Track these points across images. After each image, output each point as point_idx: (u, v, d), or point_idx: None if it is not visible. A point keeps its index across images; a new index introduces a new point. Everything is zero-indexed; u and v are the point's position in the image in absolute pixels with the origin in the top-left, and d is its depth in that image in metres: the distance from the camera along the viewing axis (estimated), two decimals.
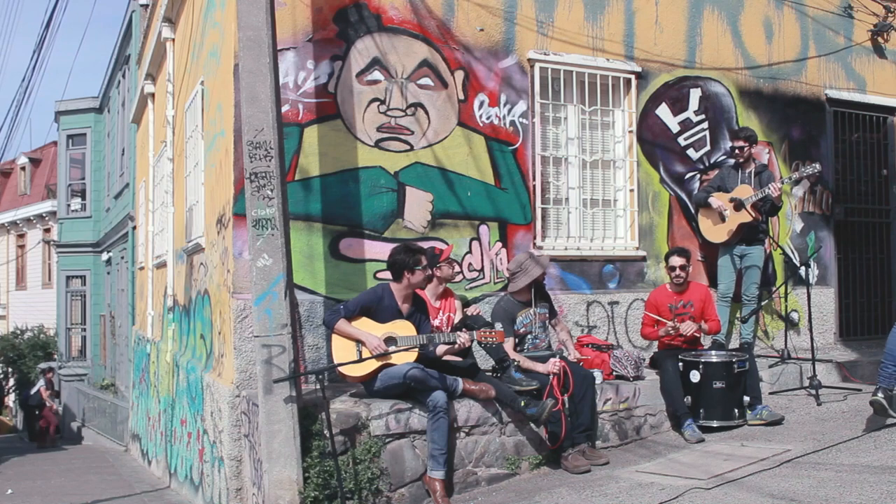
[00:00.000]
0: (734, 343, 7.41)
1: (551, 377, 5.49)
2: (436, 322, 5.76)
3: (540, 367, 5.62)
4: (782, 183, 7.12)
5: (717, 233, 7.19)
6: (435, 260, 5.77)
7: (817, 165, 7.09)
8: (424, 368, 5.17)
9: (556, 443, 5.50)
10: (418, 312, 5.47)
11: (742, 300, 7.20)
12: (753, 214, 6.96)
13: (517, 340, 5.90)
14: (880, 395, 5.27)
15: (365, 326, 5.29)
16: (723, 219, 7.11)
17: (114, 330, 18.48)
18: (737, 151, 7.17)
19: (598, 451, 5.69)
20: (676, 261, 6.40)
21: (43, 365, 21.23)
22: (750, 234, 7.09)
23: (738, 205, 6.99)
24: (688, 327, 6.25)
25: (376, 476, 5.06)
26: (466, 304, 6.30)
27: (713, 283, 7.36)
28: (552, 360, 5.63)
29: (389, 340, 5.25)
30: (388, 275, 5.57)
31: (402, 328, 5.31)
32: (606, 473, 5.28)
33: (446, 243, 6.40)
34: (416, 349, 5.21)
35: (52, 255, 25.73)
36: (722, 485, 4.69)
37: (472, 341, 5.33)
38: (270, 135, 5.13)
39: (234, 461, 5.74)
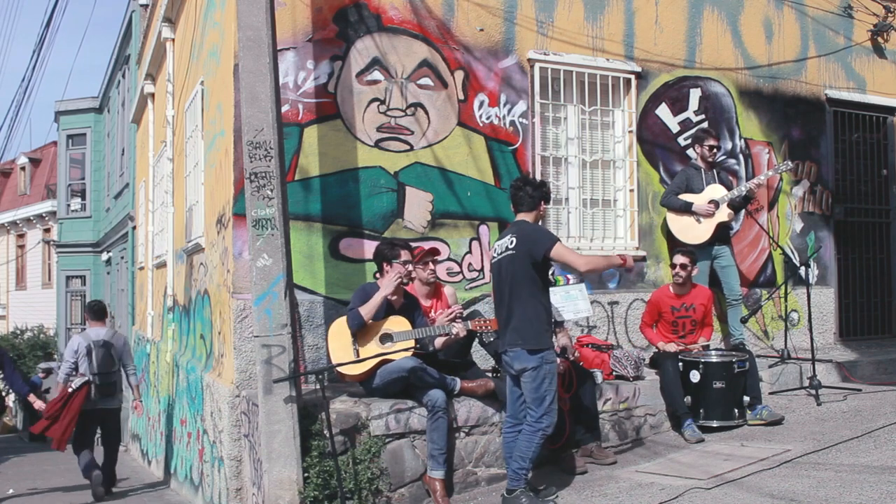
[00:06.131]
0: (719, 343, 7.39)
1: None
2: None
3: None
4: (759, 180, 7.19)
5: (694, 234, 7.01)
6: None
7: (789, 163, 7.33)
8: (423, 365, 5.17)
9: (558, 443, 5.49)
10: (411, 307, 5.46)
11: (728, 301, 7.17)
12: (730, 214, 6.99)
13: None
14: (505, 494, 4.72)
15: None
16: (698, 220, 7.02)
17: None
18: (715, 151, 7.12)
19: (606, 451, 5.68)
20: (679, 259, 6.39)
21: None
22: (723, 233, 7.09)
23: (716, 205, 6.99)
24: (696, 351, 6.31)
25: (376, 476, 5.06)
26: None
27: None
28: (557, 360, 5.62)
29: (385, 337, 5.25)
30: None
31: (397, 324, 5.31)
32: (606, 473, 5.28)
33: (446, 243, 6.40)
34: (414, 343, 5.21)
35: (51, 255, 25.72)
36: (722, 485, 4.69)
37: (467, 330, 5.33)
38: (270, 135, 5.13)
39: (234, 461, 5.74)
